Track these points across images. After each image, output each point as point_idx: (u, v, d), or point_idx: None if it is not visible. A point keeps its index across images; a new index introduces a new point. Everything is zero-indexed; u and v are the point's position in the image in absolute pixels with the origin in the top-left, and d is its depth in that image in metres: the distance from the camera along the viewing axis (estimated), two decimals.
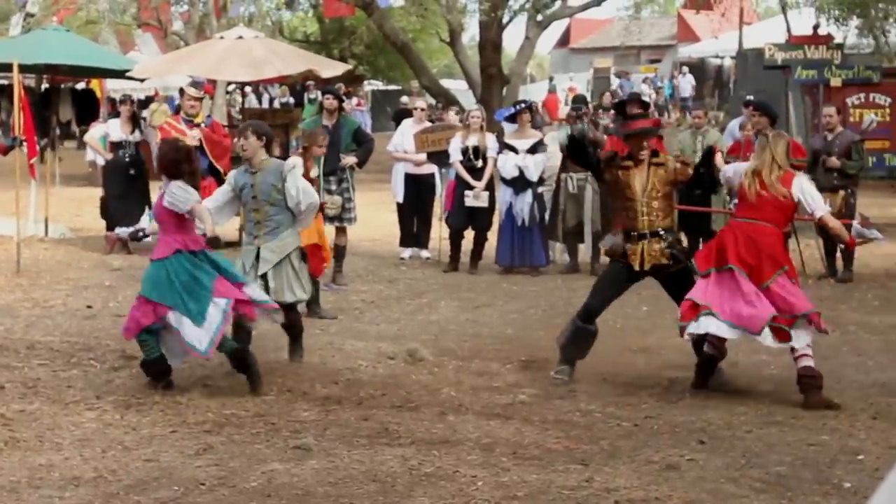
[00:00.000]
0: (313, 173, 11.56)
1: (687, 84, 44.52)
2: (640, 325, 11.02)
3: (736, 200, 12.56)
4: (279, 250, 9.21)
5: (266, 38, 19.41)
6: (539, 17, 31.88)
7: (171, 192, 8.54)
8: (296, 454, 7.08)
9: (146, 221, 14.01)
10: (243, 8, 36.98)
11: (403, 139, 15.74)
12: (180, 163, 8.63)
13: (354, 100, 40.73)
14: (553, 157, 14.73)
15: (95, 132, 16.95)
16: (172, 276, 8.44)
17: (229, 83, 33.67)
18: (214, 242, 9.05)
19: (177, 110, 14.62)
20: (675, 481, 6.65)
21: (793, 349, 8.50)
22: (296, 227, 9.38)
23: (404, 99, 38.54)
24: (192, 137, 13.67)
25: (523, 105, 15.08)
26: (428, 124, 16.10)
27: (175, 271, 8.46)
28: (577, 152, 9.55)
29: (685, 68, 46.22)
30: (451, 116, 17.66)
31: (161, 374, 8.60)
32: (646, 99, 19.04)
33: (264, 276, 9.18)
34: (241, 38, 17.08)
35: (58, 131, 19.14)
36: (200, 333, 8.38)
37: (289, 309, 9.26)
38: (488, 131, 15.33)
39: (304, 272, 9.34)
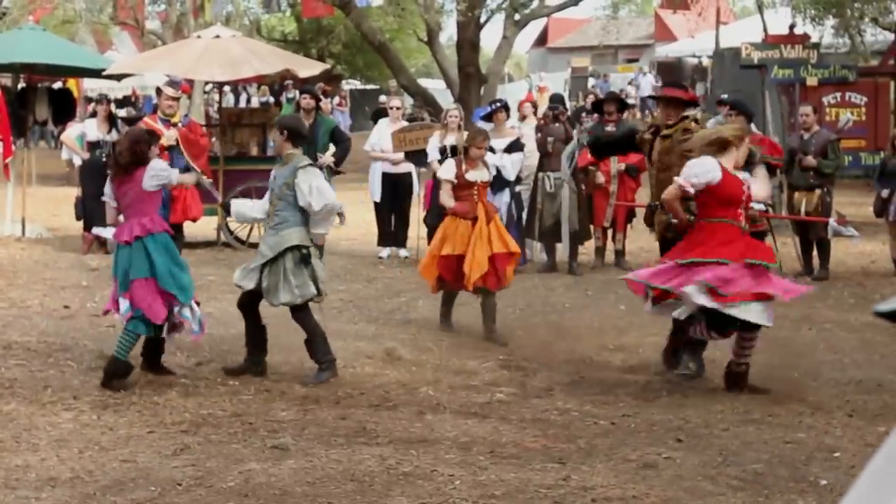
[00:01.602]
0: (479, 177, 10.94)
1: (647, 83, 44.55)
2: (617, 324, 11.04)
3: None
4: (275, 246, 8.95)
5: (243, 38, 19.36)
6: (516, 17, 31.88)
7: (154, 172, 8.69)
8: (273, 454, 7.08)
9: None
10: (221, 6, 36.94)
11: (381, 138, 15.73)
12: (149, 146, 8.79)
13: (336, 99, 40.70)
14: (530, 155, 14.74)
15: (72, 132, 16.90)
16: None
17: (207, 83, 33.59)
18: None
19: (153, 110, 14.58)
20: (653, 479, 6.67)
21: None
22: (305, 227, 9.03)
23: (382, 98, 38.47)
24: (168, 137, 13.64)
25: (498, 104, 15.07)
26: (405, 123, 16.10)
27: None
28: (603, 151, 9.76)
29: (645, 68, 46.30)
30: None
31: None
32: (631, 101, 19.07)
33: (262, 271, 9.01)
34: (218, 37, 17.04)
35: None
36: None
37: (291, 310, 9.10)
38: (466, 130, 15.31)
39: (299, 275, 8.91)
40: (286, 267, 8.91)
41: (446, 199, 10.95)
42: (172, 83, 14.79)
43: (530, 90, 43.23)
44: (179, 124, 14.08)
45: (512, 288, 13.48)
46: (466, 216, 10.67)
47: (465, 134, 14.89)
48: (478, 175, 10.90)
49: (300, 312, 9.09)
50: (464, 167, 10.89)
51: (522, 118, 15.92)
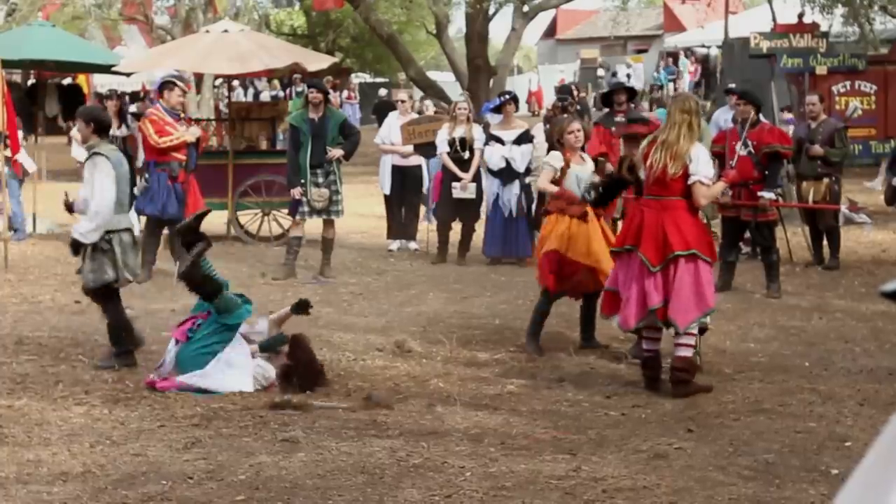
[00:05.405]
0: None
1: (623, 76, 44.36)
2: None
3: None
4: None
5: (252, 32, 19.39)
6: (525, 8, 31.86)
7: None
8: (284, 447, 7.09)
9: (134, 219, 14.02)
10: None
11: (390, 131, 15.74)
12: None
13: (345, 92, 40.70)
14: (540, 147, 14.73)
15: None
16: None
17: (216, 77, 33.59)
18: None
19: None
20: (663, 470, 6.66)
21: (676, 334, 8.49)
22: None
23: (382, 91, 38.45)
24: (192, 133, 13.61)
25: (507, 96, 15.07)
26: (414, 116, 16.10)
27: None
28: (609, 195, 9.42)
29: (627, 62, 46.29)
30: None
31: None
32: (631, 84, 18.99)
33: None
34: (226, 31, 17.06)
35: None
36: None
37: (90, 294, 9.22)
38: (475, 122, 15.33)
39: (96, 260, 8.91)
40: (87, 251, 8.94)
41: (545, 183, 10.01)
42: (181, 79, 14.80)
43: (539, 83, 43.23)
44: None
45: (522, 280, 13.50)
46: (570, 207, 9.64)
47: (474, 126, 14.95)
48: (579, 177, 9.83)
49: (99, 297, 9.05)
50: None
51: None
